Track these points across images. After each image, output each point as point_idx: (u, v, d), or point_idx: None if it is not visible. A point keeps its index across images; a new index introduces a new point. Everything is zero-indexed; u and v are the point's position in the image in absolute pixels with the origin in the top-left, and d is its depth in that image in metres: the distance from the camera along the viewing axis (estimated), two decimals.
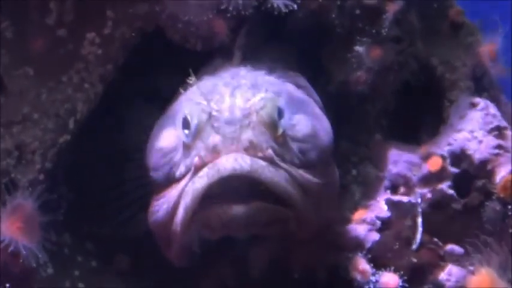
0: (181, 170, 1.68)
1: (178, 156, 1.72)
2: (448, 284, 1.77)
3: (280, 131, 1.67)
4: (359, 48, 1.97)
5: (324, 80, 2.02)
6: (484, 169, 1.81)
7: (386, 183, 1.87)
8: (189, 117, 1.69)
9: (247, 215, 1.61)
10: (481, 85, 2.02)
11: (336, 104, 1.96)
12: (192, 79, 1.74)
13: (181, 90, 1.82)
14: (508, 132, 1.89)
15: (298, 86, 1.85)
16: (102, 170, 2.09)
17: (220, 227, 1.66)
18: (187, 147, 1.68)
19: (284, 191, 1.61)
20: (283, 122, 1.67)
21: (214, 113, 1.66)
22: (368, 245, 1.80)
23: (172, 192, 1.68)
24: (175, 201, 1.66)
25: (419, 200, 1.78)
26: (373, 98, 2.04)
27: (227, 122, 1.64)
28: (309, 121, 1.74)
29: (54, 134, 1.89)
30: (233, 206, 1.59)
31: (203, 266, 1.86)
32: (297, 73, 1.90)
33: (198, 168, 1.61)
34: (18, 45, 2.00)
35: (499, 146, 1.81)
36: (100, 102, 1.96)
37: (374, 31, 2.00)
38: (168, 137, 1.76)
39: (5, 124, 1.94)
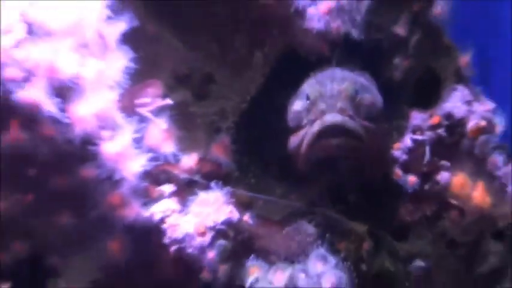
0: (305, 121, 2.37)
1: (303, 114, 2.39)
2: (442, 181, 2.39)
3: (356, 101, 2.36)
4: (396, 60, 2.56)
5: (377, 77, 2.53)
6: (461, 122, 2.38)
7: (410, 129, 2.40)
8: (309, 94, 2.38)
9: (339, 143, 2.32)
10: (460, 80, 2.55)
11: (383, 90, 2.52)
12: (311, 74, 2.47)
13: (305, 81, 2.47)
14: (474, 103, 2.42)
15: (366, 79, 2.48)
16: (266, 122, 2.57)
17: (326, 150, 2.35)
18: (307, 110, 2.37)
19: (357, 131, 2.32)
20: (358, 97, 2.36)
21: (322, 92, 2.35)
22: (401, 160, 2.42)
23: (301, 133, 2.36)
24: (302, 137, 2.36)
25: (427, 138, 2.40)
26: (404, 86, 2.53)
27: (329, 97, 2.34)
28: (370, 96, 2.40)
29: (238, 103, 2.51)
30: (332, 139, 2.32)
31: (313, 178, 2.50)
32: (364, 72, 2.50)
33: (313, 121, 2.34)
34: (220, 53, 2.54)
35: (468, 111, 2.38)
36: (262, 89, 2.53)
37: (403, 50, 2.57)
38: (298, 105, 2.43)
39: (215, 98, 2.52)
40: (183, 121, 2.32)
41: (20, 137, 2.03)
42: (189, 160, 2.33)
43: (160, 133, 2.24)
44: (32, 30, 2.03)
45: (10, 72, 1.99)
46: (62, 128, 2.04)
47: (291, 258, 2.28)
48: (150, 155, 2.16)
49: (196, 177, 2.31)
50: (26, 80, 1.99)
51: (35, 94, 1.99)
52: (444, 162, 2.37)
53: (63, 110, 2.02)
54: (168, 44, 2.38)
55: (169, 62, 2.39)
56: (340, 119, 2.31)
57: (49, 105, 2.00)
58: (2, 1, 2.05)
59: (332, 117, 2.31)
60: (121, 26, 2.14)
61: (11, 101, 1.98)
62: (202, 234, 2.22)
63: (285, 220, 2.37)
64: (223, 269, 2.24)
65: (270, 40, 2.43)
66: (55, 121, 2.01)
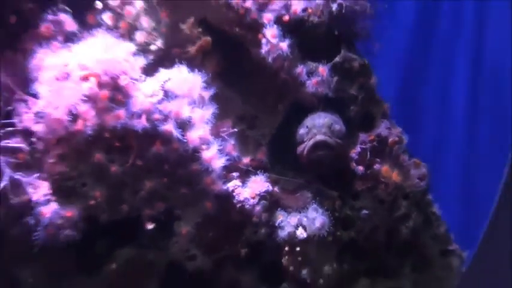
0: (305, 139, 2.26)
1: (304, 136, 2.27)
2: (376, 169, 2.33)
3: (331, 129, 2.25)
4: (351, 107, 2.41)
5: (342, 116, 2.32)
6: (385, 138, 2.34)
7: (359, 143, 2.36)
8: (308, 125, 2.28)
9: (324, 153, 2.24)
10: (384, 117, 2.41)
11: (345, 123, 2.36)
12: (308, 115, 2.32)
13: (305, 119, 2.32)
14: (392, 129, 2.39)
15: (336, 117, 2.33)
16: (285, 140, 2.39)
17: (317, 155, 2.23)
18: (307, 133, 2.26)
19: (333, 144, 2.22)
20: (332, 126, 2.25)
21: (314, 124, 2.26)
22: (355, 158, 2.34)
23: (303, 145, 2.26)
24: (304, 147, 2.26)
25: (368, 147, 2.33)
26: (356, 121, 2.40)
27: (318, 127, 2.25)
28: (339, 126, 2.28)
29: (269, 130, 2.39)
30: (319, 151, 2.23)
31: (310, 169, 2.35)
32: (335, 113, 2.33)
33: (310, 139, 2.24)
34: (261, 105, 2.39)
35: (389, 132, 2.35)
36: (282, 123, 2.39)
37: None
38: (302, 131, 2.30)
39: (258, 128, 2.40)
40: (242, 140, 2.33)
41: (161, 149, 2.07)
42: (246, 159, 2.32)
43: (231, 146, 2.23)
44: (167, 94, 2.09)
45: (156, 116, 2.05)
46: (182, 144, 2.08)
47: (299, 210, 2.28)
48: (226, 157, 2.17)
49: (250, 168, 2.30)
50: (164, 120, 2.05)
51: (169, 127, 2.05)
52: (377, 160, 2.37)
53: (183, 135, 2.07)
54: (234, 101, 2.36)
55: (234, 110, 2.36)
56: (324, 137, 2.26)
57: (175, 133, 2.05)
58: (149, 79, 2.08)
59: (319, 137, 2.26)
60: (211, 91, 2.15)
61: (157, 131, 2.04)
62: (254, 198, 2.22)
63: (295, 190, 2.36)
64: (264, 216, 2.25)
65: (287, 98, 2.37)
66: (179, 141, 2.06)
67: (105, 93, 1.95)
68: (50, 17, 2.05)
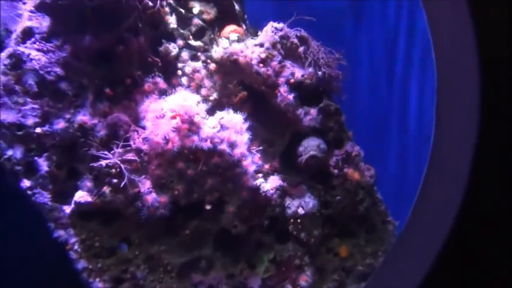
0: (303, 154, 2.14)
1: (303, 152, 2.14)
2: (345, 171, 2.22)
3: (319, 147, 2.14)
4: (330, 134, 2.25)
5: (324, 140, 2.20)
6: (350, 153, 2.24)
7: (334, 156, 2.24)
8: (304, 145, 2.15)
9: (314, 162, 2.13)
10: (350, 140, 2.32)
11: (327, 143, 2.22)
12: (305, 139, 2.19)
13: (303, 141, 2.18)
14: (354, 146, 2.25)
15: (322, 140, 2.17)
16: (289, 155, 2.25)
17: (310, 163, 2.12)
18: (304, 150, 2.14)
19: (320, 157, 2.13)
20: (319, 146, 2.14)
21: (309, 144, 2.14)
22: (332, 165, 2.21)
23: (301, 157, 2.15)
24: (302, 159, 2.14)
25: (340, 158, 2.22)
26: (333, 143, 2.25)
27: (311, 146, 2.13)
28: (323, 145, 2.15)
29: (280, 148, 2.26)
30: (312, 161, 2.13)
31: (306, 171, 2.23)
32: (321, 139, 2.17)
33: (306, 153, 2.14)
34: (275, 134, 2.25)
35: (352, 148, 2.25)
36: (288, 144, 2.25)
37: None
38: (301, 148, 2.17)
39: (274, 148, 2.24)
40: (264, 154, 2.23)
41: (218, 160, 2.05)
42: (267, 166, 2.24)
43: (258, 158, 2.16)
44: (222, 126, 2.07)
45: (215, 140, 2.05)
46: (231, 157, 2.06)
47: (299, 197, 2.24)
48: (256, 165, 2.14)
49: (269, 171, 2.23)
50: (221, 142, 2.05)
51: (223, 147, 2.05)
52: (346, 166, 2.27)
53: (232, 151, 2.06)
54: (259, 131, 2.24)
55: (260, 136, 2.24)
56: (314, 153, 2.17)
57: (227, 150, 2.06)
58: (210, 117, 2.04)
59: (312, 152, 2.17)
60: (246, 125, 2.10)
61: (216, 149, 2.05)
62: (272, 189, 2.21)
63: (297, 185, 2.27)
64: (278, 201, 2.22)
65: (291, 128, 2.25)
66: (229, 155, 2.06)
67: (185, 126, 1.95)
68: (150, 79, 2.08)
